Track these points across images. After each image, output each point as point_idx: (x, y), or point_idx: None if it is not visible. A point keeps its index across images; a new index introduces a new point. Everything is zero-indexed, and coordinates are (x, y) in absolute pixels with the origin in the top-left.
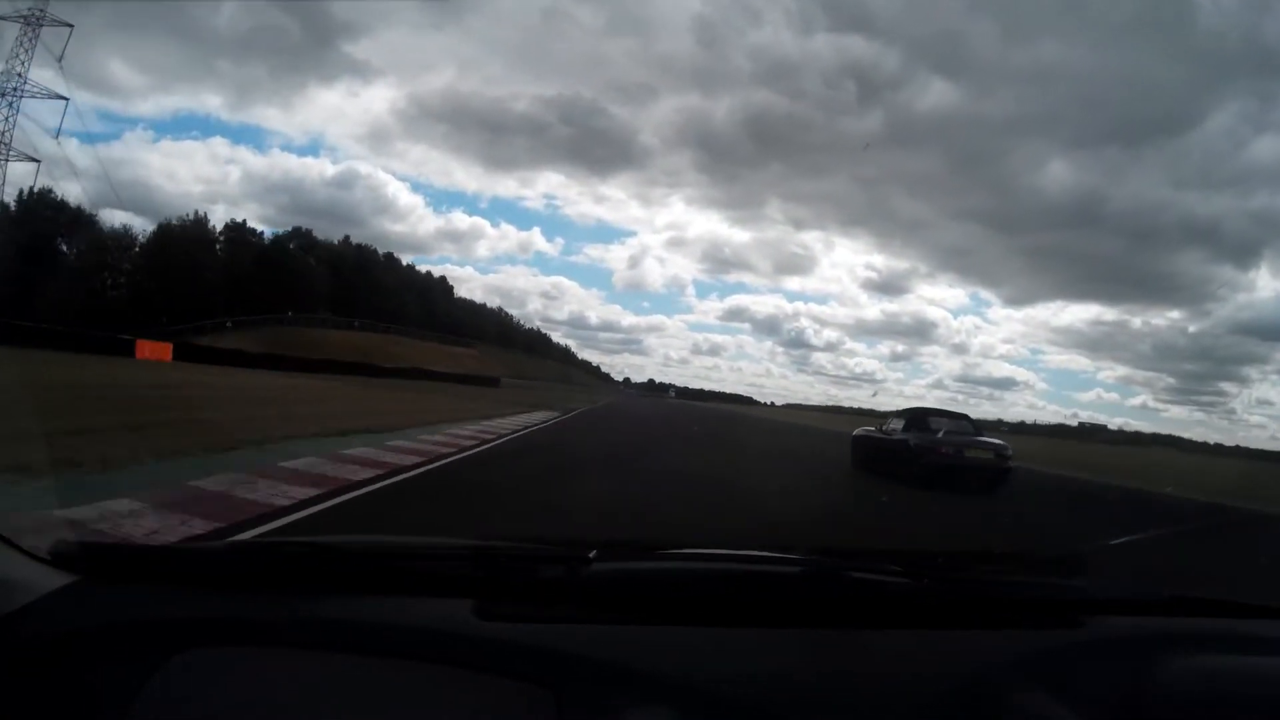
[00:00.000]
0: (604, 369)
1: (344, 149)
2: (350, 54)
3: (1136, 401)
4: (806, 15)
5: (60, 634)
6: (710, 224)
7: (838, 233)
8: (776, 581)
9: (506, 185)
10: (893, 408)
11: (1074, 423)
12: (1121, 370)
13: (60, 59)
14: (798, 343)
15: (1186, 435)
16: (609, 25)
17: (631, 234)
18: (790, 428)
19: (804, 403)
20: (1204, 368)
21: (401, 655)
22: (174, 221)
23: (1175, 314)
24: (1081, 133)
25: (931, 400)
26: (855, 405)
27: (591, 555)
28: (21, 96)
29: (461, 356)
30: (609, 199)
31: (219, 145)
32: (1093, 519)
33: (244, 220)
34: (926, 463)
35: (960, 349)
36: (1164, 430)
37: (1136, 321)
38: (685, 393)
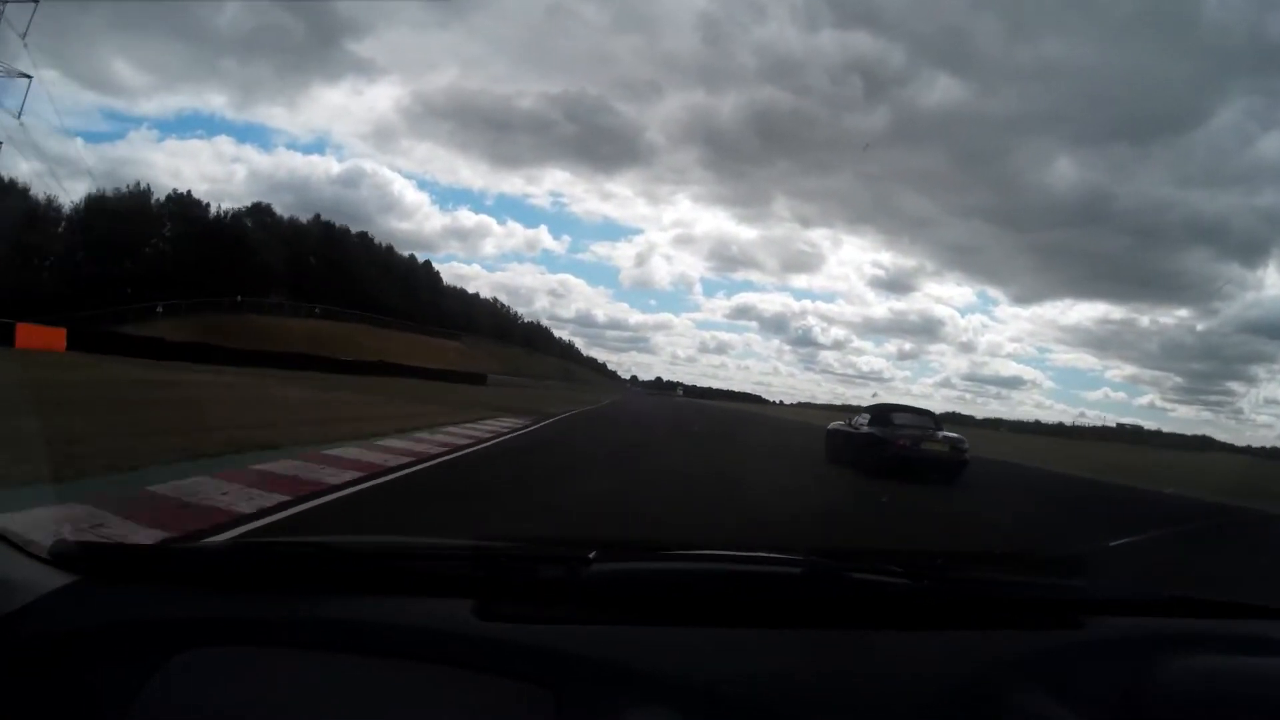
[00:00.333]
0: (610, 367)
1: (349, 147)
2: (355, 52)
3: (1144, 401)
4: (812, 11)
5: (60, 634)
6: (717, 221)
7: (845, 230)
8: (776, 582)
9: (512, 183)
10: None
11: (1113, 424)
12: (1129, 369)
13: (24, 36)
14: (805, 341)
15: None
16: (614, 22)
17: (638, 231)
18: (800, 427)
19: (813, 401)
20: (1212, 367)
21: (401, 655)
22: (108, 192)
23: (1183, 312)
24: (1088, 130)
25: (938, 399)
26: (864, 404)
27: (591, 555)
28: None
29: (445, 350)
30: (615, 196)
31: (224, 144)
32: None
33: (188, 191)
34: (886, 454)
35: (967, 347)
36: (1166, 429)
37: (1144, 320)
38: (693, 391)
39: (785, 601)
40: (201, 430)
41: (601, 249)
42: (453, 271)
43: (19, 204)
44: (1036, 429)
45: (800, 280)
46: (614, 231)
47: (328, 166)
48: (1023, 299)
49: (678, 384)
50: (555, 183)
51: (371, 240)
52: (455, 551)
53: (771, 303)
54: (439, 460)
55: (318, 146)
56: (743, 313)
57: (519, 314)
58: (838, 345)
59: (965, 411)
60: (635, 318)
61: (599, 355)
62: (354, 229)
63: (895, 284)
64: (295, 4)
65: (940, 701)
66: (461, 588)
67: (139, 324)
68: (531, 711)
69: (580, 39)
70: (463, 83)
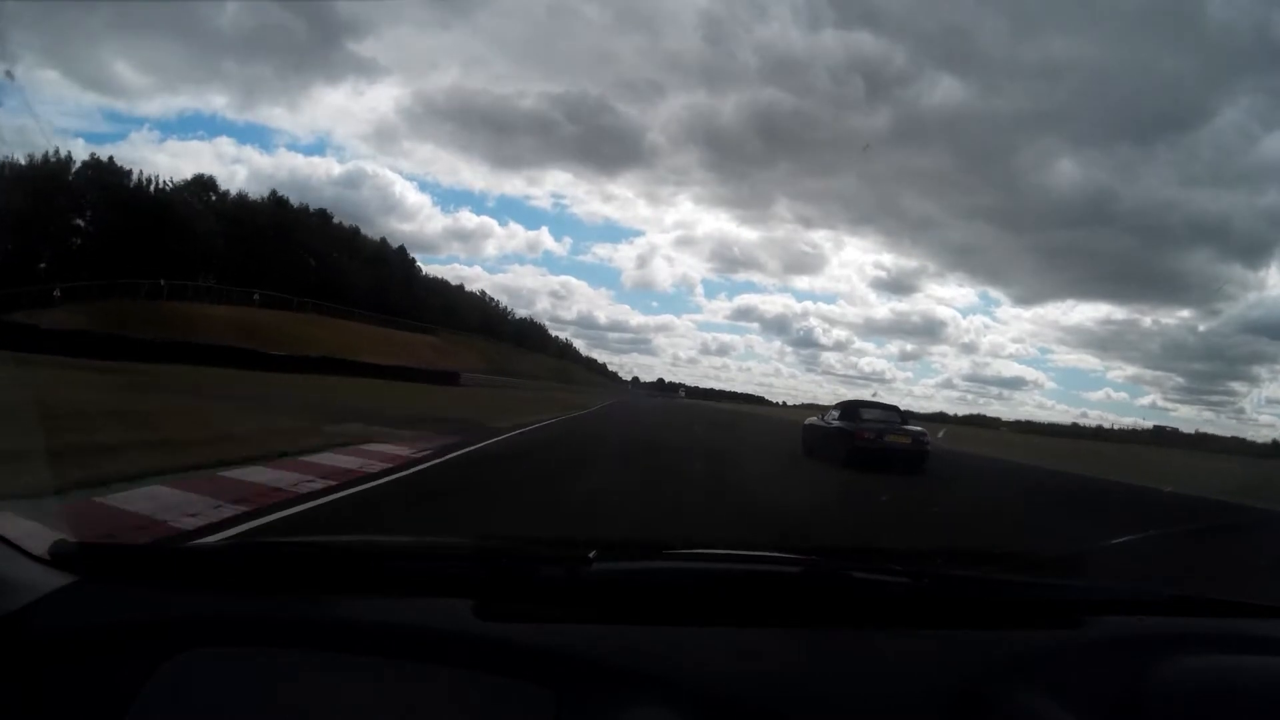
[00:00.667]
0: (611, 368)
1: (350, 148)
2: (356, 52)
3: (1145, 401)
4: (814, 11)
5: (60, 634)
6: (718, 223)
7: (847, 231)
8: (777, 581)
9: (514, 184)
10: (902, 407)
11: (1148, 426)
12: (1131, 370)
13: None
14: (807, 342)
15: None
16: (616, 22)
17: (639, 233)
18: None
19: (815, 402)
20: (1214, 367)
21: (402, 655)
22: (19, 159)
23: (1185, 313)
24: (1091, 129)
25: (940, 399)
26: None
27: (591, 555)
28: None
29: (416, 345)
30: (617, 198)
31: (225, 145)
32: None
33: (109, 158)
34: (852, 446)
35: (969, 348)
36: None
37: (1146, 321)
38: (695, 392)
39: (785, 601)
40: None
41: (603, 250)
42: (454, 273)
43: None
44: (1054, 431)
45: (802, 281)
46: (615, 233)
47: (329, 168)
48: (1025, 300)
49: (679, 385)
50: (557, 184)
51: (332, 220)
52: (455, 551)
53: (773, 304)
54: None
55: (319, 148)
56: (744, 314)
57: (510, 309)
58: (839, 346)
59: (889, 405)
60: (637, 319)
61: (601, 357)
62: (347, 220)
63: (897, 285)
64: (296, 4)
65: (940, 701)
66: (461, 588)
67: (30, 311)
68: (531, 711)
69: (582, 39)
70: (464, 83)
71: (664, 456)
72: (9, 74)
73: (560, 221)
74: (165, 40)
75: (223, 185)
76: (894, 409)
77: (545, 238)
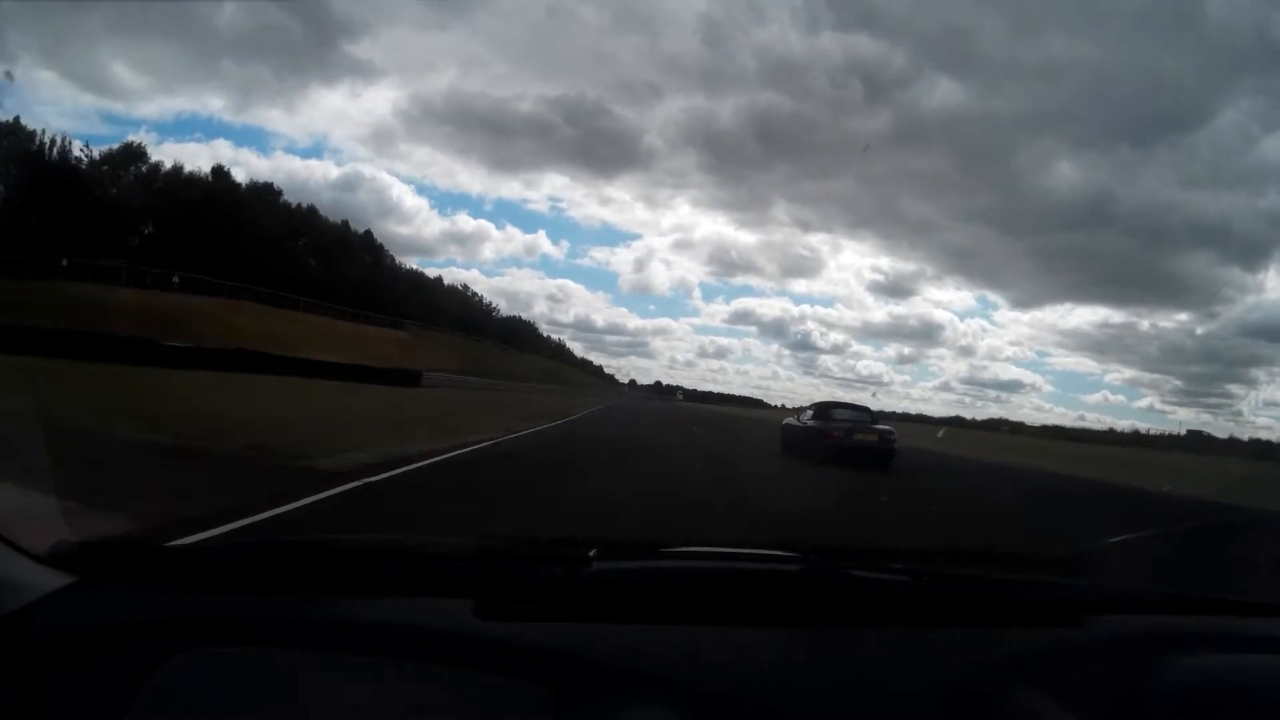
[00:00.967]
0: (608, 371)
1: (348, 151)
2: (352, 54)
3: (1143, 403)
4: (812, 13)
5: (60, 634)
6: (716, 226)
7: (844, 235)
8: (776, 581)
9: (511, 187)
10: (898, 410)
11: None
12: (1129, 373)
13: None
14: (804, 345)
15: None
16: (613, 24)
17: (637, 236)
18: None
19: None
20: (1212, 370)
21: (401, 655)
22: None
23: (1183, 316)
24: (1090, 132)
25: (938, 403)
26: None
27: (591, 555)
28: None
29: (377, 340)
30: (614, 201)
31: (222, 147)
32: None
33: (15, 118)
34: (823, 444)
35: (967, 351)
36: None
37: (1144, 324)
38: (693, 395)
39: (785, 601)
40: None
41: (600, 254)
42: (452, 276)
43: None
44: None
45: (799, 285)
46: (613, 236)
47: (326, 170)
48: (1022, 303)
49: (677, 388)
50: (554, 187)
51: (280, 197)
52: (455, 551)
53: (771, 307)
54: None
55: (315, 150)
56: (742, 317)
57: (495, 306)
58: (837, 350)
59: (860, 405)
60: (634, 322)
61: (599, 360)
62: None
63: (895, 288)
64: (292, 5)
65: (940, 701)
66: (461, 587)
67: None
68: (531, 711)
69: (579, 41)
70: (461, 85)
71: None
72: (8, 74)
73: (557, 225)
74: (162, 41)
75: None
76: (864, 410)
77: (542, 241)
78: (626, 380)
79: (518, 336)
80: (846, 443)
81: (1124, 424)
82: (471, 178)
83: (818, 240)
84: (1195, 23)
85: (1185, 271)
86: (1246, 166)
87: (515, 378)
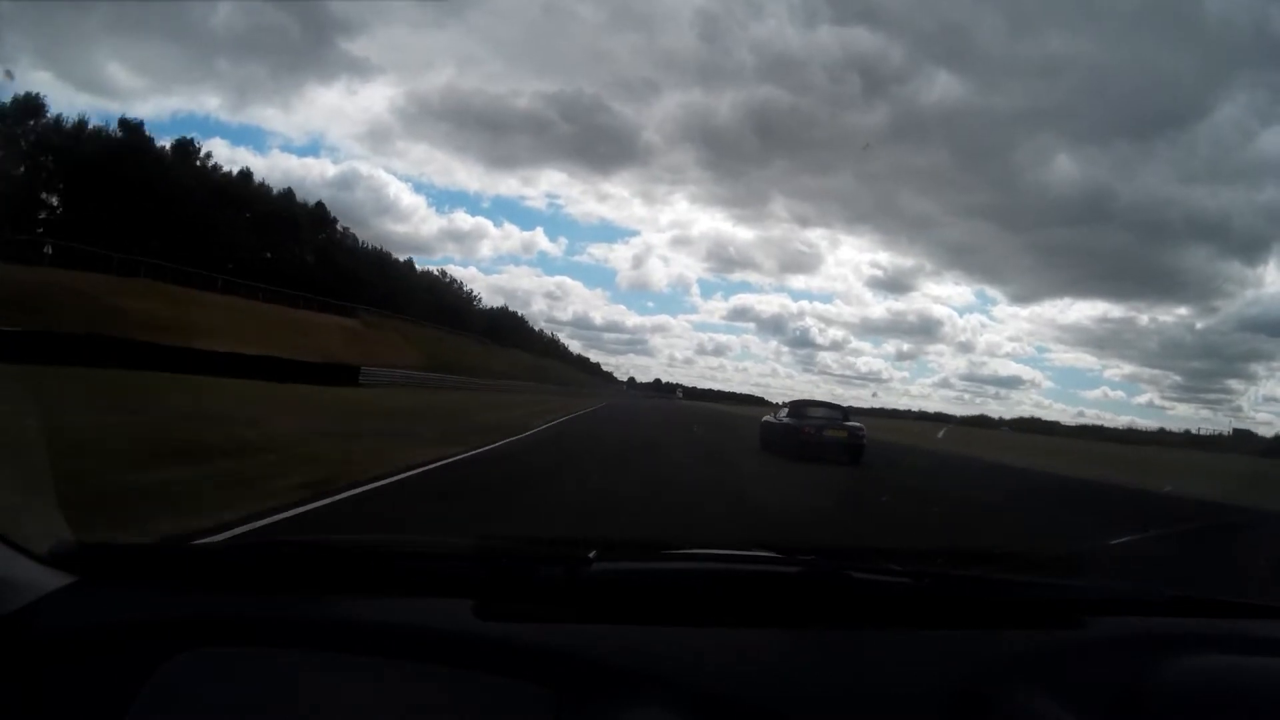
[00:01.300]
0: (607, 368)
1: (345, 149)
2: (349, 51)
3: (1143, 399)
4: (810, 8)
5: (60, 634)
6: (714, 222)
7: (843, 230)
8: (777, 582)
9: (509, 184)
10: (898, 407)
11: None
12: (1128, 368)
13: None
14: (803, 342)
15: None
16: (611, 20)
17: (635, 233)
18: None
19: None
20: (1211, 365)
21: (401, 655)
22: None
23: (1182, 310)
24: (1089, 126)
25: (937, 399)
26: (866, 405)
27: (591, 555)
28: None
29: (318, 328)
30: (612, 197)
31: (218, 146)
32: None
33: None
34: (796, 439)
35: (966, 347)
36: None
37: (1144, 318)
38: (692, 393)
39: (785, 601)
40: None
41: (598, 251)
42: (450, 274)
43: None
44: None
45: (798, 281)
46: (611, 233)
47: (323, 169)
48: (1021, 298)
49: (677, 386)
50: (551, 184)
51: (199, 157)
52: (455, 551)
53: (769, 304)
54: None
55: (312, 149)
56: (740, 314)
57: (477, 296)
58: (836, 346)
59: (833, 403)
60: (633, 320)
61: (598, 358)
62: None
63: (893, 284)
64: (288, 3)
65: (940, 701)
66: (461, 587)
67: None
68: (531, 711)
69: (576, 37)
70: (458, 82)
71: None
72: (9, 74)
73: (555, 222)
74: (159, 41)
75: None
76: (837, 407)
77: (540, 238)
78: (625, 378)
79: (504, 330)
80: (818, 439)
81: (1123, 420)
82: (469, 175)
83: (816, 236)
84: (1193, 18)
85: (1184, 266)
86: (1245, 161)
87: (495, 375)
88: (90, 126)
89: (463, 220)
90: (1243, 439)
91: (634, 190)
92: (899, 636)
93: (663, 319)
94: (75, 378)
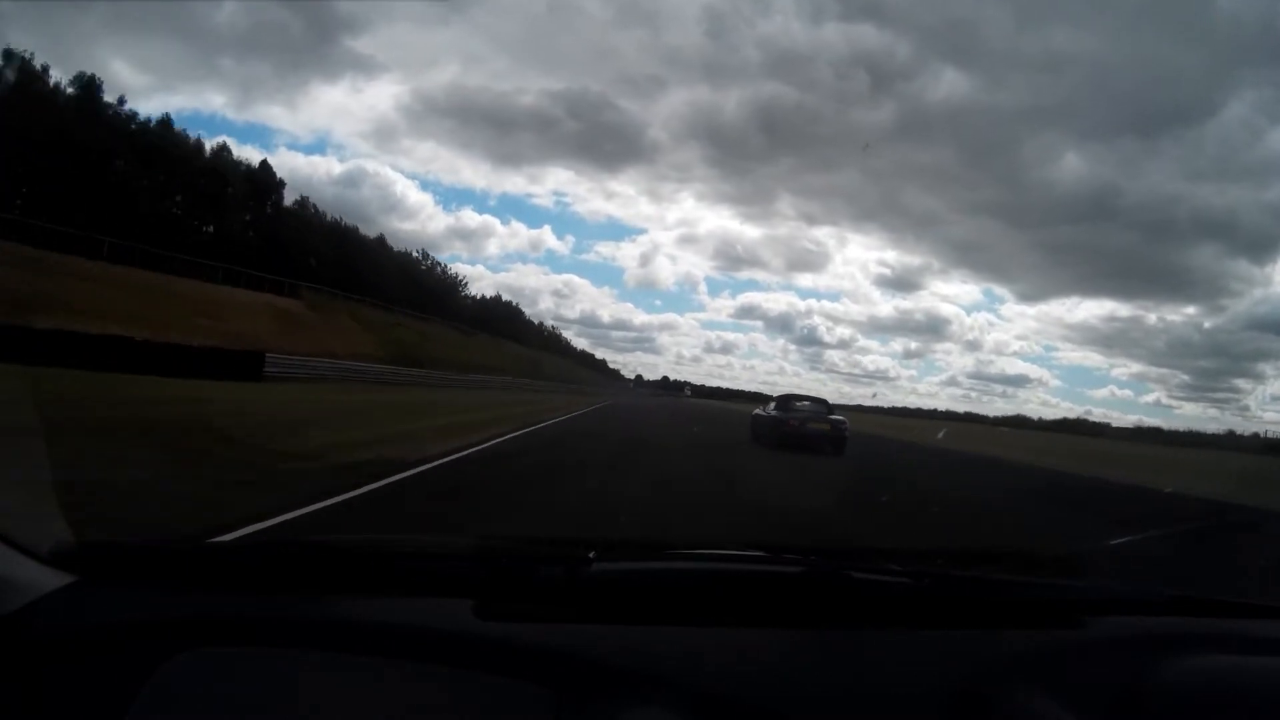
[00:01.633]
0: (614, 366)
1: (351, 147)
2: (353, 49)
3: (1150, 398)
4: (816, 4)
5: (60, 634)
6: (721, 220)
7: (850, 228)
8: (777, 582)
9: (515, 182)
10: (907, 405)
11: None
12: (1135, 367)
13: None
14: (810, 340)
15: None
16: (617, 16)
17: (642, 231)
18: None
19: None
20: (1218, 364)
21: (401, 655)
22: None
23: (1190, 309)
24: (1096, 124)
25: (944, 397)
26: (873, 405)
27: (591, 555)
28: None
29: (239, 309)
30: (619, 195)
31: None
32: None
33: None
34: (782, 431)
35: (973, 346)
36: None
37: (1151, 317)
38: (700, 391)
39: (785, 601)
40: None
41: (605, 249)
42: (457, 272)
43: None
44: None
45: (805, 279)
46: (618, 231)
47: (329, 167)
48: (1029, 297)
49: (685, 384)
50: (558, 182)
51: (118, 107)
52: (455, 551)
53: (776, 302)
54: None
55: (319, 146)
56: (747, 312)
57: (464, 280)
58: (843, 344)
59: (819, 398)
60: (640, 318)
61: (606, 356)
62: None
63: (901, 282)
64: (292, 1)
65: (940, 701)
66: (461, 587)
67: None
68: (531, 711)
69: (582, 34)
70: (464, 79)
71: None
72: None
73: (562, 220)
74: (163, 39)
75: None
76: (822, 402)
77: (547, 236)
78: (633, 376)
79: (497, 321)
80: (802, 430)
81: (1131, 419)
82: (475, 173)
83: (823, 234)
84: (1201, 14)
85: (1192, 265)
86: (1253, 159)
87: (478, 370)
88: None
89: (470, 218)
90: (1235, 439)
91: (641, 188)
92: (899, 636)
93: (670, 317)
94: None
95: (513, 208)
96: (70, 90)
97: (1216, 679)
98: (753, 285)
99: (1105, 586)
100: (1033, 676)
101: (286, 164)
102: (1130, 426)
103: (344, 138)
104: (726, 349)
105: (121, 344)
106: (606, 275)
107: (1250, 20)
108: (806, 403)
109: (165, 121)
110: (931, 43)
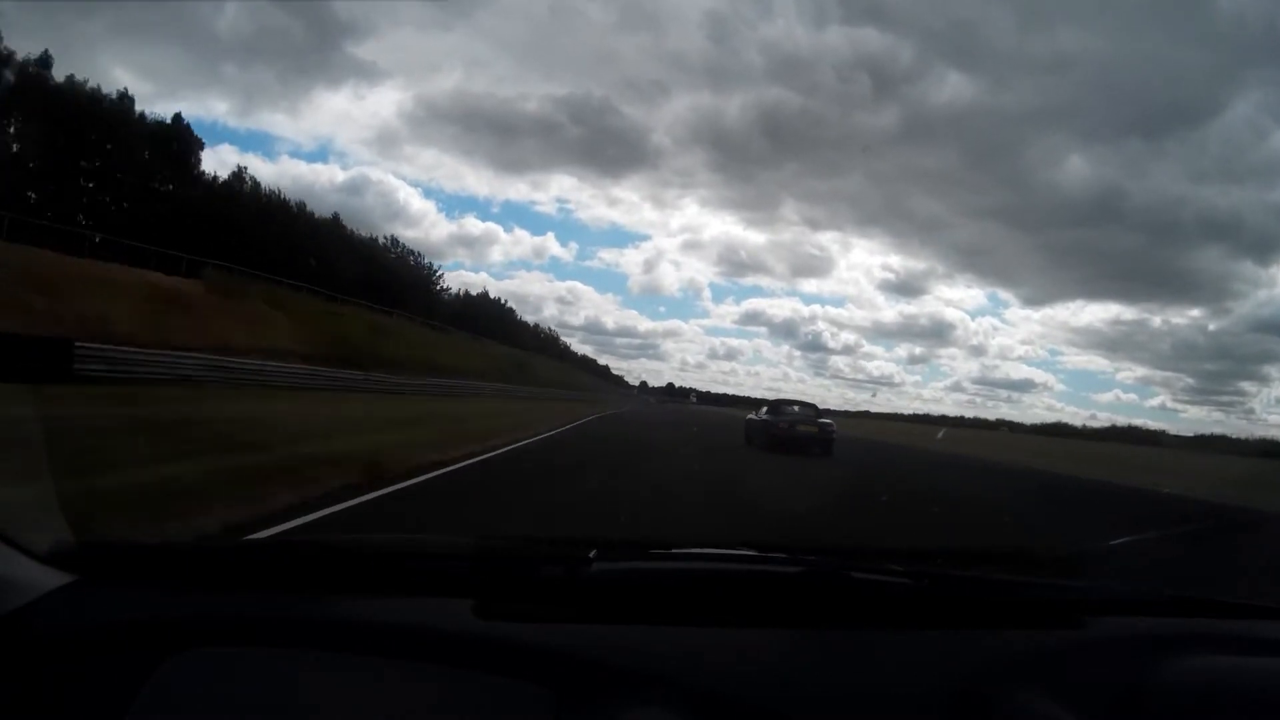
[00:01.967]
0: (618, 372)
1: (353, 154)
2: (355, 55)
3: (1155, 402)
4: (819, 8)
5: (60, 634)
6: (725, 226)
7: (854, 233)
8: (777, 582)
9: (518, 189)
10: (913, 410)
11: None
12: (1140, 371)
13: None
14: (815, 346)
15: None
16: (619, 22)
17: (645, 237)
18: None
19: (833, 408)
20: (1223, 367)
21: (401, 655)
22: None
23: (1195, 312)
24: (1100, 125)
25: (949, 403)
26: (880, 410)
27: (591, 555)
28: None
29: (102, 285)
30: (622, 201)
31: (227, 152)
32: None
33: None
34: (772, 434)
35: (978, 350)
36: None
37: (1156, 320)
38: (705, 397)
39: (785, 601)
40: None
41: (609, 255)
42: (460, 279)
43: None
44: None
45: (810, 285)
46: (621, 237)
47: (332, 174)
48: (1034, 301)
49: (690, 391)
50: (561, 188)
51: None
52: (455, 551)
53: (781, 308)
54: None
55: (321, 154)
56: (752, 318)
57: (438, 268)
58: (848, 350)
59: (808, 402)
60: (644, 325)
61: (610, 363)
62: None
63: (905, 287)
64: (295, 6)
65: (940, 701)
66: (461, 587)
67: None
68: (531, 711)
69: (584, 40)
70: (466, 86)
71: None
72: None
73: (566, 226)
74: (164, 45)
75: None
76: (811, 406)
77: (551, 243)
78: (637, 382)
79: (482, 319)
80: (791, 433)
81: (1136, 422)
82: (478, 180)
83: (827, 239)
84: (1205, 15)
85: (1196, 267)
86: (1257, 160)
87: (445, 373)
88: None
89: (473, 225)
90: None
91: (644, 194)
92: (899, 636)
93: (674, 323)
94: None
95: (516, 215)
96: None
97: (1216, 679)
98: (757, 291)
99: (1105, 586)
100: (1033, 676)
101: (289, 171)
102: (1190, 435)
103: (346, 145)
104: (731, 355)
105: None
106: (610, 282)
107: (1255, 21)
108: (796, 407)
109: (43, 59)
110: (935, 45)
